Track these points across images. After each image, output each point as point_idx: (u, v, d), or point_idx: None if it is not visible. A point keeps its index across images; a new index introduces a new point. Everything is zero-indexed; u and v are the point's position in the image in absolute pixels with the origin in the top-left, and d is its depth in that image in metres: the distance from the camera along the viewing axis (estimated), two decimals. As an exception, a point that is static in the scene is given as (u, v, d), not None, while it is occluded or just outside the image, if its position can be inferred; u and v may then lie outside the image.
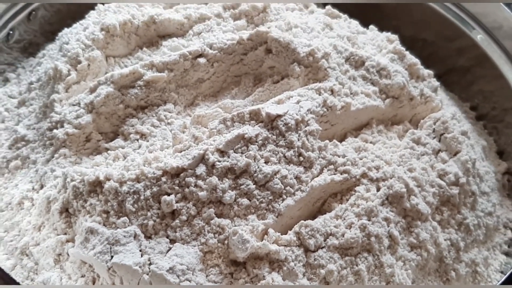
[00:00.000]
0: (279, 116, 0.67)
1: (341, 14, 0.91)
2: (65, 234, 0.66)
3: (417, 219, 0.68)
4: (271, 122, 0.67)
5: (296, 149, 0.67)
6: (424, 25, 1.01)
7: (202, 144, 0.66)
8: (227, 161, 0.64)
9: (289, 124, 0.67)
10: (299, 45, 0.75)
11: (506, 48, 0.89)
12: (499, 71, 0.90)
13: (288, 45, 0.75)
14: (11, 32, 0.89)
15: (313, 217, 0.68)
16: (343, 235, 0.64)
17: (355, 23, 0.90)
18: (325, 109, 0.71)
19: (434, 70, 0.99)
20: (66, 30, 0.87)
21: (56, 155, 0.72)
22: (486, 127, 0.93)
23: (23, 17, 0.91)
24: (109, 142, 0.74)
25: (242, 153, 0.65)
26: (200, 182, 0.63)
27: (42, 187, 0.72)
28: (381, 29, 1.02)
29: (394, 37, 0.87)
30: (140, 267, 0.60)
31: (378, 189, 0.68)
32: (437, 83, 0.83)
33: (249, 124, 0.67)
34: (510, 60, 0.89)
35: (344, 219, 0.65)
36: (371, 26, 0.91)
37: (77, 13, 0.97)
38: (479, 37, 0.92)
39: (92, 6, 0.98)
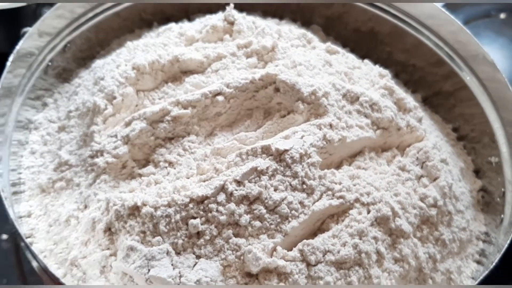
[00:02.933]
0: (286, 150, 0.79)
1: (339, 49, 1.02)
2: (108, 249, 0.78)
3: (400, 237, 0.80)
4: (279, 155, 0.79)
5: (300, 178, 0.79)
6: (414, 52, 1.11)
7: (222, 175, 0.78)
8: (243, 190, 0.76)
9: (294, 157, 0.79)
10: (303, 85, 0.86)
11: (480, 77, 1.01)
12: (476, 99, 1.01)
13: (294, 86, 0.86)
14: (50, 63, 1.01)
15: (313, 234, 0.79)
16: (338, 252, 0.76)
17: (351, 58, 1.02)
18: (325, 142, 0.82)
19: (422, 93, 1.12)
20: (98, 62, 0.98)
21: (98, 181, 0.84)
22: (465, 147, 1.04)
23: (60, 49, 1.03)
24: (142, 169, 0.85)
25: (255, 182, 0.77)
26: (220, 208, 0.75)
27: (86, 207, 0.84)
28: (377, 54, 1.15)
29: (385, 72, 0.99)
30: (172, 279, 0.72)
31: (368, 212, 0.80)
32: (421, 114, 0.95)
33: (261, 157, 0.79)
34: (484, 88, 1.00)
35: (340, 238, 0.77)
36: (366, 61, 1.03)
37: (105, 41, 1.10)
38: (456, 64, 1.05)
39: (117, 35, 1.11)
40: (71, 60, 1.07)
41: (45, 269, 0.73)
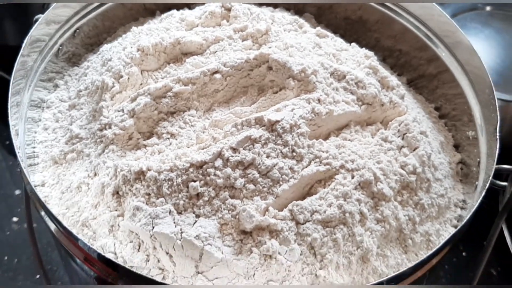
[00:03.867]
0: (277, 121, 0.87)
1: (328, 33, 1.10)
2: (116, 210, 0.85)
3: (382, 200, 0.87)
4: (271, 126, 0.86)
5: (290, 146, 0.86)
6: (400, 38, 1.19)
7: (219, 143, 0.86)
8: (238, 156, 0.84)
9: (285, 128, 0.87)
10: (293, 64, 0.94)
11: (460, 60, 1.08)
12: (456, 81, 1.09)
13: (285, 64, 0.94)
14: (60, 47, 1.10)
15: (303, 198, 0.86)
16: (325, 211, 0.83)
17: (339, 41, 1.09)
18: (313, 115, 0.90)
19: (408, 76, 1.20)
20: (106, 46, 1.07)
21: (106, 150, 0.91)
22: (447, 124, 1.11)
23: (69, 35, 1.11)
24: (147, 140, 0.93)
25: (249, 150, 0.84)
26: (218, 172, 0.83)
27: (95, 174, 0.92)
28: (366, 40, 1.23)
29: (371, 53, 1.07)
30: (174, 234, 0.79)
31: (352, 177, 0.87)
32: (404, 92, 1.02)
33: (255, 128, 0.87)
34: (463, 71, 1.08)
35: (326, 200, 0.84)
36: (353, 44, 1.11)
37: (111, 28, 1.18)
38: (439, 50, 1.13)
39: (123, 23, 1.19)
40: (80, 46, 1.15)
41: (60, 226, 0.81)
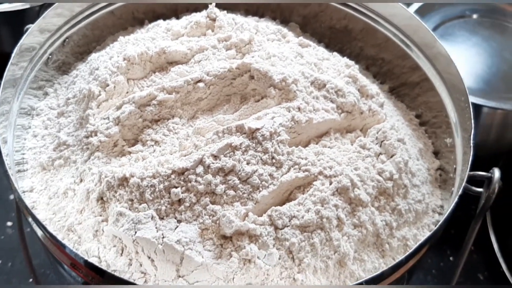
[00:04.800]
0: (257, 129, 0.89)
1: (311, 43, 1.13)
2: (101, 216, 0.88)
3: (359, 206, 0.89)
4: (251, 133, 0.88)
5: (270, 153, 0.88)
6: (383, 47, 1.22)
7: (200, 151, 0.88)
8: (219, 163, 0.86)
9: (265, 135, 0.89)
10: (275, 73, 0.96)
11: (438, 69, 1.11)
12: (435, 90, 1.12)
13: (266, 73, 0.96)
14: (50, 56, 1.12)
15: (282, 204, 0.88)
16: (303, 217, 0.84)
17: (321, 51, 1.12)
18: (293, 123, 0.92)
19: (390, 84, 1.22)
20: (94, 55, 1.10)
21: (92, 157, 0.94)
22: (427, 131, 1.14)
23: (59, 44, 1.14)
24: (131, 147, 0.95)
25: (230, 157, 0.86)
26: (199, 179, 0.85)
27: (81, 180, 0.94)
28: (350, 49, 1.26)
29: (351, 63, 1.09)
30: (156, 239, 0.81)
31: (330, 183, 0.89)
32: (383, 100, 1.05)
33: (235, 135, 0.89)
34: (441, 79, 1.11)
35: (304, 205, 0.86)
36: (335, 53, 1.13)
37: (100, 37, 1.21)
38: (419, 59, 1.15)
39: (112, 32, 1.22)
40: (70, 54, 1.18)
41: (46, 232, 0.83)
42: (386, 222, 0.93)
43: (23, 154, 1.02)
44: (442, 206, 1.03)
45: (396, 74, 1.22)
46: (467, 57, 1.05)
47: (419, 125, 1.15)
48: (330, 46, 1.26)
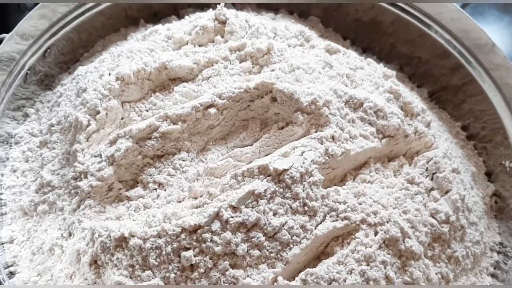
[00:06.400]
0: (285, 170, 0.73)
1: (340, 47, 0.95)
2: (95, 283, 0.73)
3: (411, 259, 0.74)
4: (278, 176, 0.73)
5: (301, 200, 0.73)
6: (418, 43, 1.04)
7: (216, 201, 0.72)
8: (239, 217, 0.70)
9: (295, 177, 0.73)
10: (302, 94, 0.79)
11: (487, 68, 0.94)
12: (484, 93, 0.95)
13: (292, 95, 0.79)
14: (29, 72, 0.94)
15: (317, 259, 0.74)
16: (345, 280, 0.70)
17: (353, 57, 0.94)
18: (327, 157, 0.76)
19: (428, 87, 1.05)
20: (81, 69, 0.91)
21: (82, 206, 0.77)
22: (476, 147, 0.97)
23: (39, 55, 0.96)
24: (130, 190, 0.79)
25: (252, 207, 0.71)
26: (215, 238, 0.70)
27: (70, 235, 0.78)
28: (379, 46, 1.07)
29: (391, 73, 0.92)
30: None
31: (375, 233, 0.74)
32: (430, 118, 0.88)
33: (258, 179, 0.73)
34: (493, 82, 0.94)
35: (345, 265, 0.72)
36: (369, 59, 0.95)
37: (88, 42, 1.03)
38: (463, 57, 0.98)
39: (101, 35, 1.04)
40: (53, 65, 0.99)
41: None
42: (442, 275, 0.78)
43: (1, 194, 0.85)
44: (501, 243, 0.87)
45: (435, 75, 1.04)
46: (500, 41, 0.89)
47: (466, 139, 0.98)
48: (356, 43, 1.08)
